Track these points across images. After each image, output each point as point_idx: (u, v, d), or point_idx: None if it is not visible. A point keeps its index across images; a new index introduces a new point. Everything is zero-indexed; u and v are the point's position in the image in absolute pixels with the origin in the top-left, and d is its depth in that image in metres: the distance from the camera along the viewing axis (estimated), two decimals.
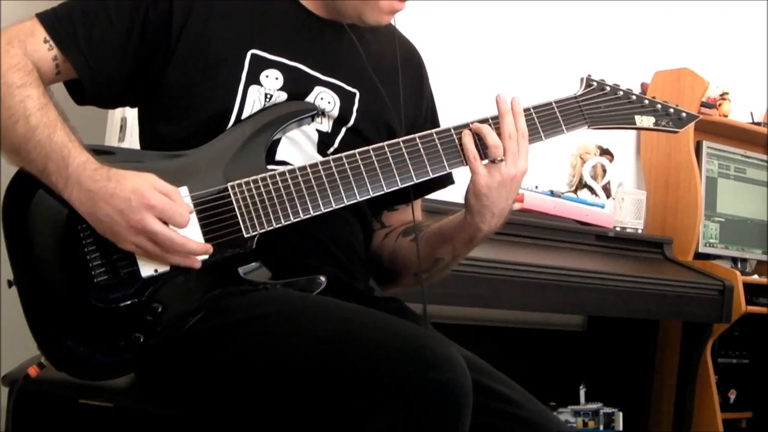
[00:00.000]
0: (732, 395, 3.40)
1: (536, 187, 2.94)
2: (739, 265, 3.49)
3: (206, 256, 1.24)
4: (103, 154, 1.25)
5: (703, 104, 3.40)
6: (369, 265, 1.51)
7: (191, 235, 1.23)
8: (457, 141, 1.33)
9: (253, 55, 1.34)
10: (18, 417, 1.35)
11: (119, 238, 1.19)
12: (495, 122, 1.33)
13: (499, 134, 1.31)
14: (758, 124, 3.66)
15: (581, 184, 3.25)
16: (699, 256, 3.33)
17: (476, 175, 1.31)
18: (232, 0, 1.36)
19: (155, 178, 1.20)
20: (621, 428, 3.10)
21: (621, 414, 3.11)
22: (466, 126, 1.33)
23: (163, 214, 1.18)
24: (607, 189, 3.29)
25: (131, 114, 2.50)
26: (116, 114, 2.55)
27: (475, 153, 1.31)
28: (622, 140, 3.42)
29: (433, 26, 2.79)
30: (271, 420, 1.19)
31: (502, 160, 1.30)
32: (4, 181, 1.26)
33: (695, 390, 3.14)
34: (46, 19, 1.29)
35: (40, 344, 1.26)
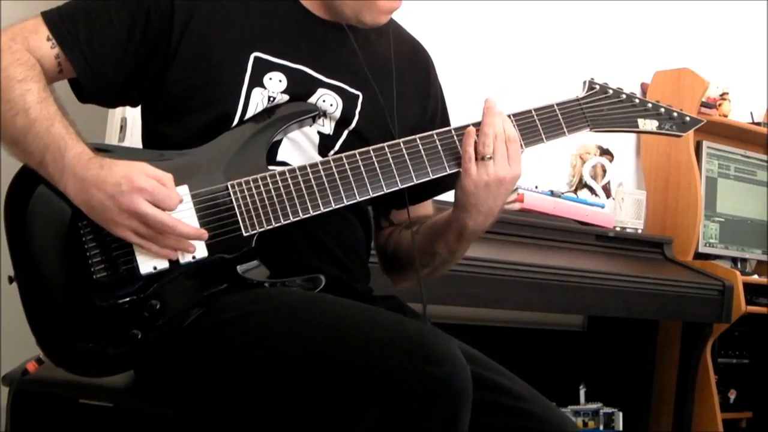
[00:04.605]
0: (732, 395, 3.40)
1: (536, 187, 2.94)
2: (739, 265, 3.49)
3: (204, 253, 1.25)
4: (101, 152, 1.25)
5: (703, 104, 3.40)
6: (377, 253, 1.53)
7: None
8: (458, 142, 1.33)
9: (256, 58, 1.34)
10: (17, 416, 1.35)
11: (113, 224, 1.20)
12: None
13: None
14: (758, 124, 3.66)
15: (581, 184, 3.25)
16: (699, 256, 3.33)
17: (465, 172, 1.31)
18: (234, 1, 1.36)
19: (147, 165, 1.21)
20: (621, 428, 3.10)
21: (621, 414, 3.11)
22: (467, 127, 1.33)
23: (153, 196, 1.19)
24: (607, 189, 3.29)
25: (131, 114, 2.50)
26: (116, 114, 2.55)
27: (471, 154, 1.31)
28: (622, 140, 3.42)
29: (433, 27, 2.79)
30: (269, 416, 1.19)
31: (491, 158, 1.30)
32: (5, 178, 1.27)
33: (695, 390, 3.14)
34: (49, 17, 1.30)
35: (39, 339, 1.27)
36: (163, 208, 1.20)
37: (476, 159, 1.30)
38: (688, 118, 1.46)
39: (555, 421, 1.27)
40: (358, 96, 1.40)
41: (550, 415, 1.27)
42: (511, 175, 1.31)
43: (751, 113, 3.71)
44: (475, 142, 1.31)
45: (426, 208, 1.54)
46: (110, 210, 1.18)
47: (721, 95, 3.54)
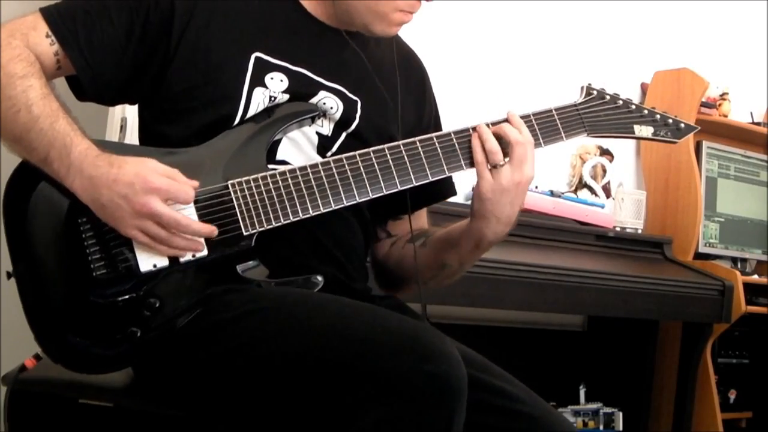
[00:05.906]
0: (732, 395, 3.40)
1: (536, 187, 2.94)
2: (739, 265, 3.49)
3: (204, 252, 1.25)
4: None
5: (703, 104, 3.40)
6: (374, 266, 1.53)
7: None
8: (457, 145, 1.33)
9: (256, 58, 1.34)
10: (16, 416, 1.35)
11: (122, 224, 1.20)
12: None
13: (500, 140, 1.31)
14: (758, 124, 3.66)
15: (581, 184, 3.25)
16: (699, 256, 3.33)
17: (482, 179, 1.31)
18: (234, 1, 1.36)
19: (155, 162, 1.21)
20: (621, 428, 3.10)
21: (621, 414, 3.11)
22: (466, 131, 1.33)
23: (167, 195, 1.19)
24: (607, 189, 3.29)
25: (131, 114, 2.50)
26: (116, 114, 2.55)
27: (483, 157, 1.31)
28: (621, 140, 3.40)
29: (433, 28, 2.79)
30: (267, 415, 1.19)
31: (503, 165, 1.30)
32: (5, 174, 1.27)
33: (695, 390, 3.14)
34: (48, 14, 1.29)
35: (37, 336, 1.26)
36: (178, 203, 1.20)
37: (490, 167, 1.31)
38: (683, 125, 1.47)
39: (552, 423, 1.27)
40: (357, 102, 1.40)
41: (548, 417, 1.27)
42: (528, 177, 1.32)
43: (751, 113, 3.71)
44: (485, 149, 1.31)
45: (421, 220, 1.53)
46: (121, 209, 1.18)
47: (721, 95, 3.54)
